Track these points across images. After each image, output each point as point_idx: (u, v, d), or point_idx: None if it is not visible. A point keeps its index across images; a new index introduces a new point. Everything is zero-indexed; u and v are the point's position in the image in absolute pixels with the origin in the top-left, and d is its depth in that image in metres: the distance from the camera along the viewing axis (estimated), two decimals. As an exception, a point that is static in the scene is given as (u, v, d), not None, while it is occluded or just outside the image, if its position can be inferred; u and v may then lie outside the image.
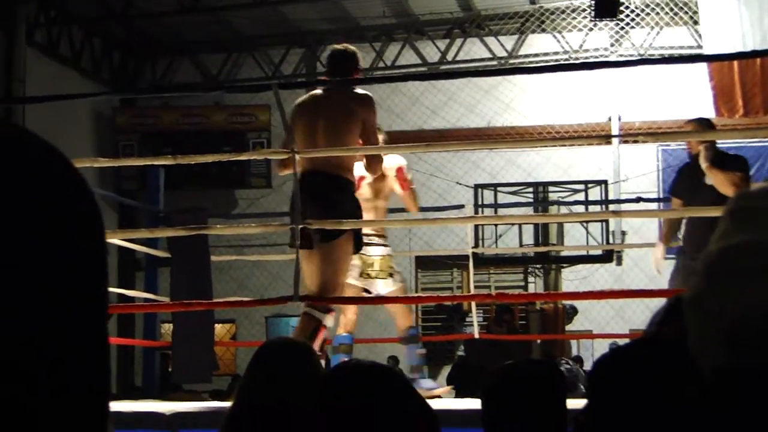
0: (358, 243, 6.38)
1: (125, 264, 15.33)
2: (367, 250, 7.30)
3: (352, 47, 6.56)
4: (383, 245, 7.50)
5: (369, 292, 7.51)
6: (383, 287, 7.50)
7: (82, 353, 0.84)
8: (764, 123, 13.67)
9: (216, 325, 10.57)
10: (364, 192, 7.26)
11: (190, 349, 8.90)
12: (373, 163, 6.37)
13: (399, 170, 7.27)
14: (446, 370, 14.48)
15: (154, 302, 9.54)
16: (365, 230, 6.98)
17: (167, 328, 10.63)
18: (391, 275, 7.52)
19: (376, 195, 7.45)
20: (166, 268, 9.53)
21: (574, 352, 14.82)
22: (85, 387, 0.85)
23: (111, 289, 9.84)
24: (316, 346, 6.00)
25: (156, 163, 8.85)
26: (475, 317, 9.78)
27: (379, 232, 7.48)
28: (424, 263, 16.37)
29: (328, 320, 6.22)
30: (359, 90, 6.27)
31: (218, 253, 10.61)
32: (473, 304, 10.19)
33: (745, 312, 0.80)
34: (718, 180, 7.77)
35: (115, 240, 8.65)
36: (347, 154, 6.24)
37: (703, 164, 7.74)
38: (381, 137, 7.11)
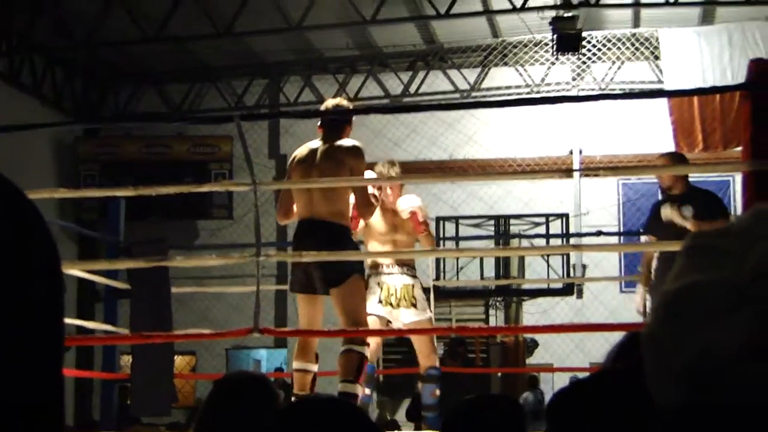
0: (365, 283, 6.68)
1: (84, 295, 15.22)
2: (387, 280, 7.41)
3: (346, 102, 6.90)
4: (407, 274, 7.56)
5: (391, 323, 7.57)
6: (406, 317, 7.54)
7: (36, 389, 0.83)
8: (723, 158, 13.78)
9: (176, 356, 10.50)
10: (378, 226, 7.37)
11: (149, 381, 8.84)
12: (362, 209, 6.59)
13: (412, 215, 7.39)
14: (406, 404, 14.45)
15: (113, 334, 9.47)
16: (385, 261, 7.21)
17: (126, 359, 10.55)
18: (414, 305, 7.55)
19: (393, 229, 7.54)
20: (126, 300, 9.47)
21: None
22: (39, 423, 0.84)
23: (70, 321, 9.76)
24: (362, 379, 6.34)
25: (117, 194, 8.82)
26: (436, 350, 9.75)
27: (402, 261, 7.55)
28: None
29: (367, 351, 6.53)
30: (349, 141, 6.58)
31: (179, 284, 10.54)
32: (434, 337, 10.16)
33: (701, 352, 0.80)
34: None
35: (74, 271, 8.60)
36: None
37: (686, 223, 7.76)
38: (395, 170, 7.33)
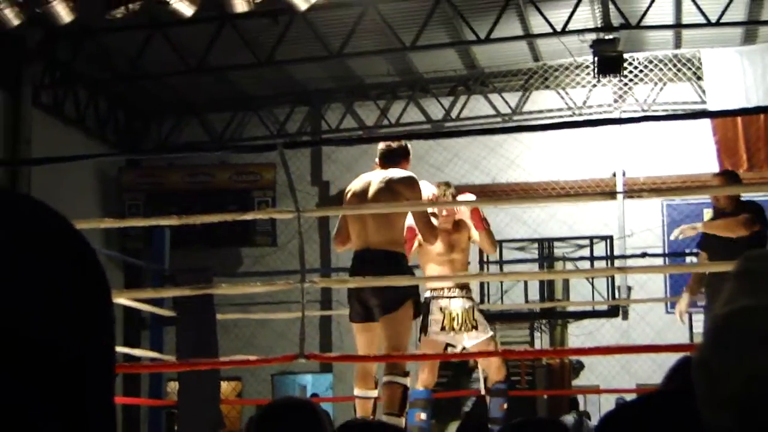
0: (417, 308, 6.72)
1: (131, 323, 15.30)
2: (449, 304, 7.46)
3: (406, 143, 6.97)
4: (465, 297, 7.61)
5: (454, 347, 7.63)
6: (468, 340, 7.58)
7: (91, 414, 0.84)
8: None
9: (222, 382, 10.54)
10: (434, 247, 7.43)
11: (196, 407, 8.87)
12: (426, 235, 6.75)
13: (474, 211, 7.41)
14: (453, 426, 14.40)
15: (159, 361, 9.52)
16: (444, 284, 7.29)
17: (173, 386, 10.60)
18: (475, 327, 7.59)
19: (450, 249, 7.61)
20: (172, 327, 9.52)
21: (581, 407, 14.74)
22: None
23: (117, 348, 9.82)
24: (405, 411, 6.44)
25: (161, 223, 8.88)
26: (481, 373, 9.74)
27: (460, 284, 7.60)
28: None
29: (409, 382, 6.60)
30: (403, 172, 6.72)
31: (224, 311, 10.59)
32: (480, 360, 10.15)
33: (750, 378, 0.80)
34: (725, 228, 7.82)
35: (121, 299, 8.65)
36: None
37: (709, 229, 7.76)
38: (450, 191, 7.41)
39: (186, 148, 16.72)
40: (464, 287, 7.68)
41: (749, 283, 0.85)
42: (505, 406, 7.86)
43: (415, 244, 7.30)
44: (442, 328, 7.57)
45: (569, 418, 13.60)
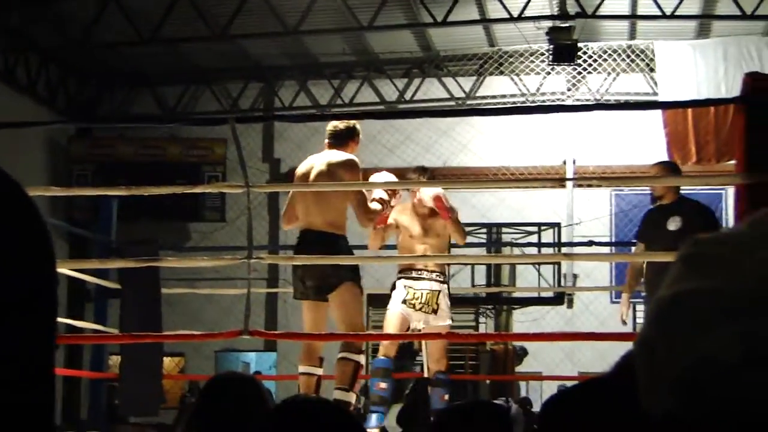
0: (359, 288, 6.76)
1: (75, 294, 15.19)
2: (414, 284, 7.49)
3: (354, 124, 7.00)
4: (434, 281, 7.62)
5: (408, 326, 7.66)
6: (422, 323, 7.60)
7: (28, 381, 0.83)
8: (716, 171, 13.81)
9: (165, 358, 10.49)
10: (412, 229, 7.48)
11: (138, 381, 8.83)
12: (361, 218, 6.80)
13: (437, 198, 7.43)
14: (396, 409, 14.43)
15: (102, 333, 9.46)
16: (416, 265, 7.33)
17: (115, 359, 10.54)
18: (434, 311, 7.61)
19: (425, 232, 7.63)
20: (116, 300, 9.46)
21: (523, 393, 14.83)
22: (29, 417, 0.84)
23: (60, 320, 9.74)
24: (357, 386, 6.49)
25: (110, 193, 8.81)
26: (425, 357, 9.76)
27: (432, 267, 7.61)
28: (375, 301, 16.29)
29: (362, 359, 6.72)
30: (343, 154, 6.78)
31: (170, 285, 10.54)
32: (424, 343, 10.17)
33: (697, 360, 0.80)
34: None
35: (65, 270, 8.58)
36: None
37: None
38: (425, 177, 7.45)
39: (137, 118, 16.60)
40: (435, 271, 7.71)
41: (696, 267, 0.85)
42: (446, 397, 7.88)
43: (391, 221, 7.49)
44: (402, 302, 7.60)
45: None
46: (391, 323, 7.67)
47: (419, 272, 7.68)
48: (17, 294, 0.82)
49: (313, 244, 6.65)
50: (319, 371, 6.76)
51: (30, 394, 0.83)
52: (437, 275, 7.73)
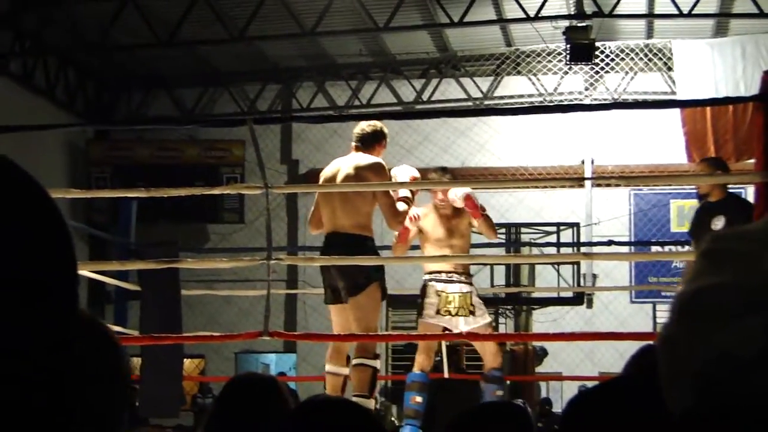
0: (384, 291, 6.76)
1: (95, 296, 15.24)
2: (445, 288, 7.49)
3: (381, 127, 7.00)
4: (464, 282, 7.61)
5: (450, 331, 7.65)
6: (464, 325, 7.59)
7: (48, 374, 0.84)
8: (736, 169, 13.76)
9: (185, 359, 10.51)
10: (436, 232, 7.49)
11: (158, 382, 8.84)
12: (390, 220, 6.82)
13: (467, 198, 7.43)
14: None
15: (123, 335, 9.47)
16: (445, 268, 7.32)
17: (135, 361, 10.55)
18: (472, 312, 7.60)
19: (450, 234, 7.63)
20: (136, 302, 9.48)
21: (543, 394, 14.81)
22: (53, 417, 0.84)
23: (80, 321, 9.77)
24: (376, 392, 6.51)
25: (129, 195, 8.83)
26: (445, 357, 9.78)
27: (459, 269, 7.61)
28: (395, 302, 16.32)
29: (378, 364, 6.71)
30: (370, 158, 6.79)
31: (189, 287, 10.55)
32: (443, 343, 10.18)
33: (716, 355, 0.80)
34: None
35: (85, 272, 8.61)
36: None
37: None
38: (447, 178, 7.45)
39: (155, 120, 16.63)
40: (464, 272, 7.70)
41: (715, 262, 0.85)
42: (499, 392, 7.86)
43: (414, 229, 7.47)
44: (437, 312, 7.59)
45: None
46: (426, 333, 7.70)
47: (449, 275, 7.65)
48: (38, 293, 0.83)
49: (341, 246, 6.66)
50: (346, 371, 6.77)
51: (42, 393, 0.84)
52: (465, 277, 7.73)
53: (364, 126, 6.99)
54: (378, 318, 6.83)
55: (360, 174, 6.71)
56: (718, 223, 7.85)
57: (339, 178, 6.79)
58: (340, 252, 6.62)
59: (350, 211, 6.69)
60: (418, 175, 7.28)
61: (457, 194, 7.51)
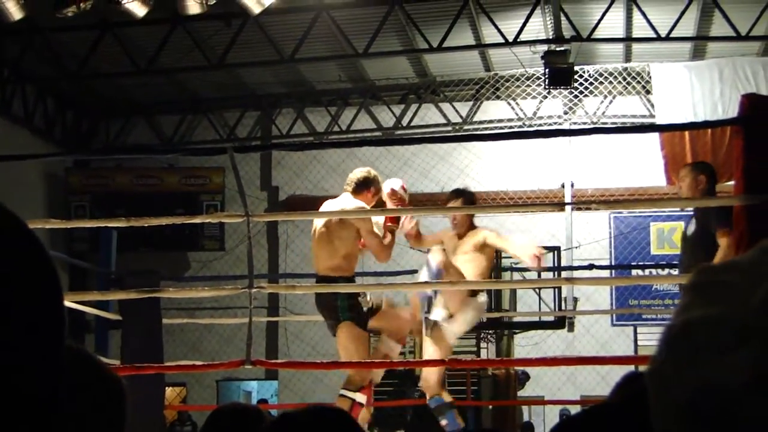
0: (361, 325, 6.94)
1: (75, 326, 15.18)
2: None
3: (373, 173, 7.23)
4: None
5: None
6: (437, 314, 7.72)
7: (36, 413, 0.83)
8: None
9: (166, 388, 10.46)
10: (448, 250, 7.60)
11: (139, 412, 8.80)
12: (380, 257, 7.11)
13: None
14: None
15: (103, 365, 9.42)
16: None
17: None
18: (451, 315, 7.76)
19: (455, 253, 7.77)
20: (117, 331, 9.44)
21: (525, 417, 14.80)
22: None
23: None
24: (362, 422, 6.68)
25: (109, 224, 8.80)
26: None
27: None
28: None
29: (360, 398, 6.86)
30: (355, 200, 6.96)
31: (170, 315, 10.53)
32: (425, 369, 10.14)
33: (705, 386, 0.80)
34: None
35: (65, 302, 8.55)
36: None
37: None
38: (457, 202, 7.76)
39: (135, 149, 16.62)
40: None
41: (704, 294, 0.85)
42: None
43: (411, 225, 7.72)
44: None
45: None
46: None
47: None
48: (25, 327, 0.82)
49: (321, 290, 7.02)
50: (360, 398, 6.96)
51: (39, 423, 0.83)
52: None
53: (356, 171, 7.21)
54: (360, 353, 6.94)
55: (344, 220, 6.90)
56: (691, 228, 7.79)
57: (321, 223, 7.02)
58: (319, 297, 6.99)
59: (329, 254, 6.95)
60: (403, 187, 7.41)
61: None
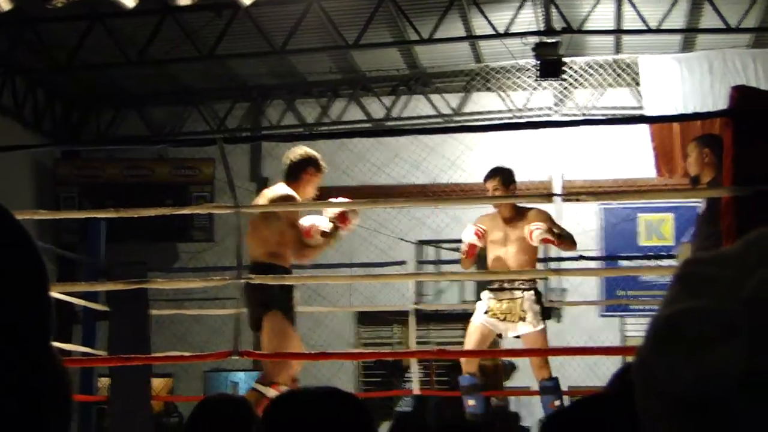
0: (288, 315, 6.82)
1: (63, 317, 15.12)
2: (497, 295, 7.55)
3: (311, 153, 7.06)
4: (518, 289, 7.63)
5: (500, 337, 7.75)
6: (512, 330, 7.65)
7: (25, 405, 0.83)
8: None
9: (153, 379, 10.46)
10: (494, 235, 7.96)
11: (127, 403, 8.80)
12: (296, 253, 6.90)
13: (543, 240, 7.47)
14: (385, 426, 14.40)
15: (91, 356, 9.42)
16: (500, 276, 7.45)
17: (104, 382, 10.50)
18: (522, 319, 7.63)
19: (505, 239, 7.71)
20: (105, 322, 9.42)
21: (513, 408, 14.80)
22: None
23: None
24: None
25: (98, 215, 8.79)
26: (415, 373, 9.77)
27: (514, 276, 7.66)
28: (365, 318, 16.34)
29: (271, 393, 6.52)
30: (277, 190, 6.96)
31: (158, 306, 10.51)
32: (414, 360, 10.17)
33: (695, 380, 0.79)
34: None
35: (53, 293, 8.54)
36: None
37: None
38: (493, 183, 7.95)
39: (125, 140, 16.59)
40: (518, 279, 7.76)
41: (690, 286, 0.85)
42: (556, 403, 7.85)
43: (480, 245, 7.86)
44: (485, 312, 7.66)
45: None
46: (471, 335, 7.78)
47: (501, 283, 7.73)
48: (12, 319, 0.82)
49: (251, 273, 6.75)
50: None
51: (29, 412, 0.83)
52: (520, 283, 7.75)
53: (289, 155, 7.01)
54: (287, 344, 6.78)
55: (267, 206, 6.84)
56: (701, 207, 7.75)
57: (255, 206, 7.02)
58: (252, 281, 6.72)
59: (256, 240, 6.85)
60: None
61: (532, 231, 7.55)
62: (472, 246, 7.51)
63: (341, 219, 6.85)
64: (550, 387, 7.84)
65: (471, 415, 7.65)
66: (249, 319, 6.82)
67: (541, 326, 7.79)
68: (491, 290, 7.74)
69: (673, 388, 0.81)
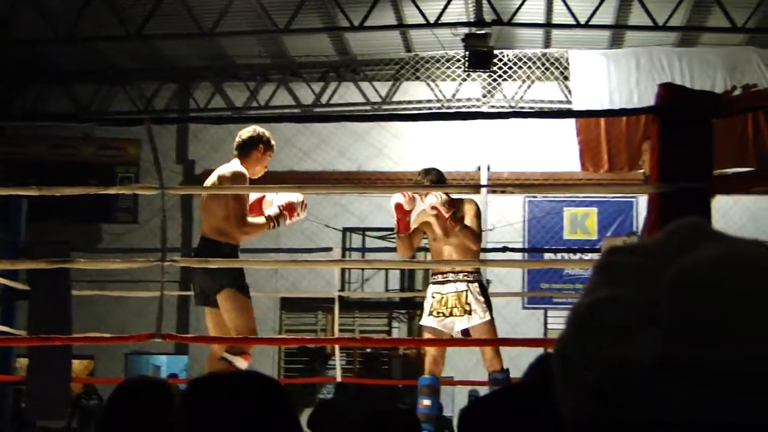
0: (243, 293, 6.74)
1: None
2: (442, 288, 7.43)
3: (262, 131, 7.03)
4: (462, 281, 7.52)
5: (449, 333, 7.59)
6: (459, 324, 7.53)
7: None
8: (628, 179, 13.97)
9: (73, 360, 10.35)
10: (434, 233, 7.42)
11: (46, 384, 8.70)
12: (237, 227, 6.75)
13: (432, 208, 7.42)
14: (306, 413, 14.39)
15: (10, 335, 9.29)
16: (441, 269, 7.32)
17: (23, 362, 10.37)
18: (468, 312, 7.52)
19: (446, 234, 7.59)
20: (24, 301, 9.30)
21: (436, 398, 14.86)
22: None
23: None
24: None
25: (19, 192, 8.67)
26: (338, 361, 9.77)
27: (459, 268, 7.54)
28: (289, 304, 16.31)
29: (240, 362, 6.61)
30: (229, 166, 6.85)
31: (80, 287, 10.38)
32: (337, 347, 10.18)
33: (611, 367, 0.80)
34: None
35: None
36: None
37: None
38: (428, 179, 7.31)
39: (52, 117, 16.36)
40: (463, 271, 7.65)
41: (610, 275, 0.85)
42: None
43: (409, 208, 7.54)
44: (430, 314, 7.57)
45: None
46: (429, 343, 7.72)
47: (445, 275, 7.63)
48: None
49: (200, 250, 6.79)
50: None
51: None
52: (464, 275, 7.65)
53: (241, 132, 7.00)
54: (248, 320, 6.75)
55: (219, 182, 6.80)
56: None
57: (206, 184, 6.96)
58: (198, 254, 6.82)
59: (207, 216, 6.82)
60: (298, 199, 7.12)
61: (427, 204, 7.50)
62: (400, 208, 7.35)
63: (288, 208, 6.86)
64: (500, 379, 7.84)
65: (423, 415, 7.58)
66: (198, 295, 6.84)
67: (488, 317, 7.77)
68: (435, 283, 7.68)
69: (588, 376, 0.82)
